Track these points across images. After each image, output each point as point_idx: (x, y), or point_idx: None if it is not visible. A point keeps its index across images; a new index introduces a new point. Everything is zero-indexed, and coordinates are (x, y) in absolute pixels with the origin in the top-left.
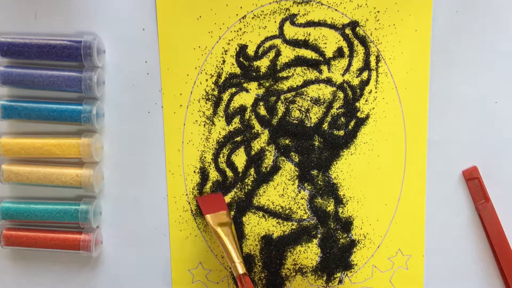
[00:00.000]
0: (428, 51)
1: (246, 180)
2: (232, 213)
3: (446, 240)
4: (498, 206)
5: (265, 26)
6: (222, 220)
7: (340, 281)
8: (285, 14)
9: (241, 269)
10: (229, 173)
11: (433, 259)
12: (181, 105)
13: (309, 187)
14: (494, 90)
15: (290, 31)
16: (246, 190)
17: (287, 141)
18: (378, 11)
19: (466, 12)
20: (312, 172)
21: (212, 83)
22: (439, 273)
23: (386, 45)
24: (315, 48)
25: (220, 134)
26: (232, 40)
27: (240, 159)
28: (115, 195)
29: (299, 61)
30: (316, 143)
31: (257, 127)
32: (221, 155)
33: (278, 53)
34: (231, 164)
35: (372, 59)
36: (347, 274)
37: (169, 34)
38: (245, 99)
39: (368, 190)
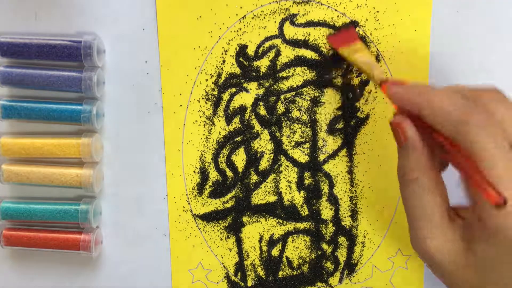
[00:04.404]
0: (428, 51)
1: (246, 180)
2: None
3: None
4: None
5: (265, 26)
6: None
7: (340, 281)
8: (285, 14)
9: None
10: (229, 173)
11: None
12: (181, 105)
13: (308, 187)
14: None
15: (290, 31)
16: (246, 190)
17: (286, 141)
18: (378, 11)
19: (466, 12)
20: (312, 172)
21: (212, 83)
22: None
23: (386, 45)
24: (315, 48)
25: (220, 134)
26: (232, 40)
27: (240, 159)
28: (115, 195)
29: (299, 61)
30: (319, 143)
31: (257, 127)
32: (221, 155)
33: (278, 53)
34: (231, 164)
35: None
36: (347, 274)
37: (169, 34)
38: (245, 99)
39: (368, 190)
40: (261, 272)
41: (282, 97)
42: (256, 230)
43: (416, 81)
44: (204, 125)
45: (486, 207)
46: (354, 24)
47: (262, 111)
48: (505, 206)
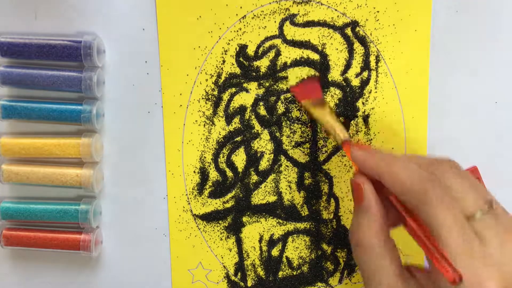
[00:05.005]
0: (428, 51)
1: (246, 180)
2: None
3: None
4: None
5: (265, 26)
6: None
7: (340, 281)
8: (285, 14)
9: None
10: (229, 173)
11: None
12: (181, 105)
13: (308, 187)
14: (494, 90)
15: (290, 31)
16: (246, 190)
17: (286, 141)
18: (378, 11)
19: (466, 12)
20: (312, 172)
21: (212, 83)
22: None
23: (386, 45)
24: (315, 48)
25: (220, 134)
26: (232, 40)
27: (240, 159)
28: (115, 195)
29: (299, 61)
30: (319, 143)
31: (257, 127)
32: (221, 155)
33: (278, 53)
34: (231, 164)
35: (372, 59)
36: (347, 274)
37: (169, 34)
38: (245, 99)
39: None
40: (261, 272)
41: (282, 97)
42: (256, 230)
43: (377, 149)
44: (204, 125)
45: (442, 279)
46: (318, 77)
47: (262, 111)
48: (460, 283)
